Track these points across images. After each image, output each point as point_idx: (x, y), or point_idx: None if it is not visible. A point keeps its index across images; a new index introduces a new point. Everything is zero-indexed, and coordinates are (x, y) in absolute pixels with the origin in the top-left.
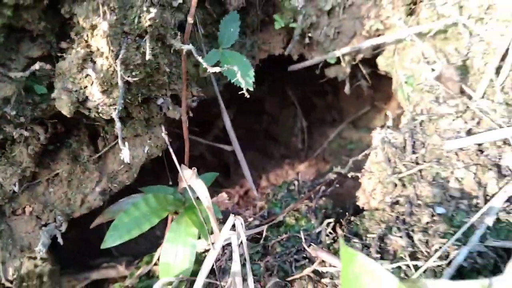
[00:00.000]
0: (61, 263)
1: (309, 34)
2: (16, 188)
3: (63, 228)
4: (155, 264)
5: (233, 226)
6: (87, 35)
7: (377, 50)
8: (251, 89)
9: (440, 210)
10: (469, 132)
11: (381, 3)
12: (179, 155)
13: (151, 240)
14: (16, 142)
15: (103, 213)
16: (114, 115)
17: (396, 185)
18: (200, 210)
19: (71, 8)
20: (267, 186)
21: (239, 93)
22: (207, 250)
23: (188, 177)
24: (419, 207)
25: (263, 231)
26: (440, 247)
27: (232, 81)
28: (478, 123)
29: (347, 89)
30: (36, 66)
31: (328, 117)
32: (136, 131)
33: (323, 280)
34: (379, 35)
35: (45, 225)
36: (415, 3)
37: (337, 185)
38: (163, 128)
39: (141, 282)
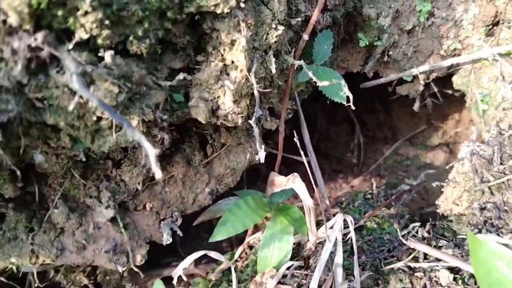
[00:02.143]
0: None
1: (389, 53)
2: (139, 187)
3: (179, 222)
4: (236, 260)
5: None
6: (224, 49)
7: (452, 69)
8: (344, 102)
9: None
10: None
11: (461, 23)
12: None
13: (214, 244)
14: (138, 146)
15: (205, 212)
16: (252, 121)
17: (483, 192)
18: (294, 211)
19: (213, 24)
20: (324, 195)
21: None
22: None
23: (280, 182)
24: (507, 212)
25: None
26: None
27: (329, 96)
28: None
29: (416, 106)
30: (181, 76)
31: (379, 134)
32: (239, 140)
33: (416, 274)
34: (455, 55)
35: (163, 219)
36: (495, 24)
37: (415, 194)
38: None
39: (225, 276)
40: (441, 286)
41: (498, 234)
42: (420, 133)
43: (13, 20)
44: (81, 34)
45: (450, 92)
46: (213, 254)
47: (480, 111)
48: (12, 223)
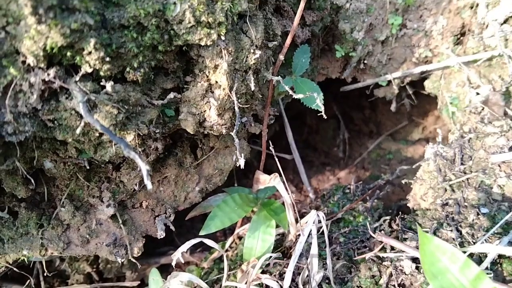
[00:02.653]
0: None
1: (365, 61)
2: (136, 187)
3: (172, 218)
4: (226, 250)
5: None
6: (209, 72)
7: (424, 74)
8: (320, 110)
9: (484, 210)
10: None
11: (431, 34)
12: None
13: (208, 235)
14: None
15: (196, 208)
16: (233, 133)
17: (446, 190)
18: (277, 206)
19: (199, 52)
20: (309, 189)
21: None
22: (278, 234)
23: (264, 180)
24: (466, 208)
25: (325, 225)
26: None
27: (306, 104)
28: None
29: (393, 107)
30: (171, 95)
31: (365, 129)
32: (226, 143)
33: (384, 263)
34: (426, 62)
35: (157, 216)
36: (463, 34)
37: (388, 190)
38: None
39: (216, 264)
40: (405, 274)
41: (457, 228)
42: (402, 128)
43: (30, 61)
44: (86, 69)
45: (425, 93)
46: (208, 242)
47: (449, 113)
48: (24, 220)
